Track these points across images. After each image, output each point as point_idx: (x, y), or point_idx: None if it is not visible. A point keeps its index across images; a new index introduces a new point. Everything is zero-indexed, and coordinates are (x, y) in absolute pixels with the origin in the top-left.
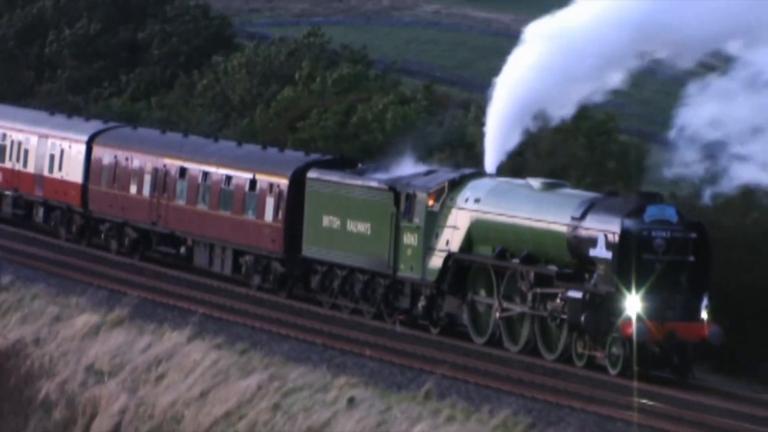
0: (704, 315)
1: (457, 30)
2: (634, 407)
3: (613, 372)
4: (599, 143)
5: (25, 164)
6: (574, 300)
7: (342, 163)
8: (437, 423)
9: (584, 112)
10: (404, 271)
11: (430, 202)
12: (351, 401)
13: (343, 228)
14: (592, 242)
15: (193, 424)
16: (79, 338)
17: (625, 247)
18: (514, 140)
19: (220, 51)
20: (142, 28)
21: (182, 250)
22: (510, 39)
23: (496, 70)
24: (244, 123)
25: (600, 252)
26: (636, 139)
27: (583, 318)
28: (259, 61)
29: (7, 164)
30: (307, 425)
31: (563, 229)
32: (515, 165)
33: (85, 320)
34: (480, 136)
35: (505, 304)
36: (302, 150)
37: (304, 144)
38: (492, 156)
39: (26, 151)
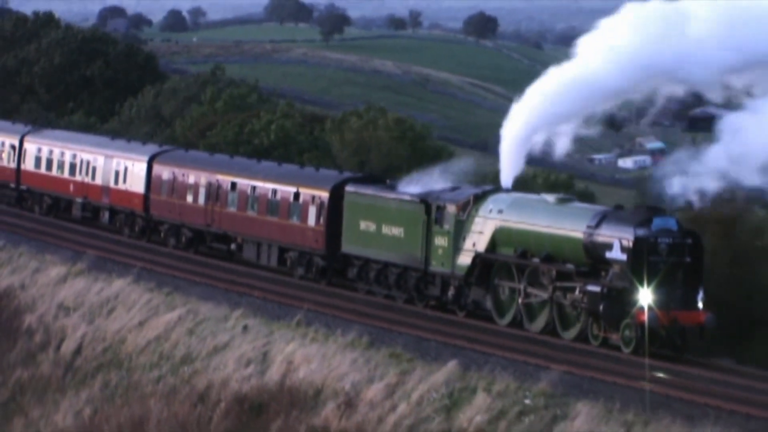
0: (700, 305)
1: (319, 66)
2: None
3: (626, 351)
4: (419, 147)
5: (93, 178)
6: (594, 293)
7: (372, 179)
8: (305, 342)
9: (408, 124)
10: (436, 266)
11: (458, 212)
12: (245, 328)
13: (378, 231)
14: (608, 246)
15: (133, 344)
16: (52, 284)
17: (638, 251)
18: (524, 160)
19: (152, 80)
20: (93, 64)
21: (232, 246)
22: (356, 73)
23: (347, 95)
24: (167, 132)
25: (615, 254)
26: (444, 143)
27: (601, 307)
28: (181, 88)
29: (77, 178)
30: (213, 345)
31: (580, 235)
32: (360, 161)
33: (56, 271)
34: (335, 143)
35: (529, 289)
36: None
37: (212, 147)
38: (507, 174)
39: (94, 168)
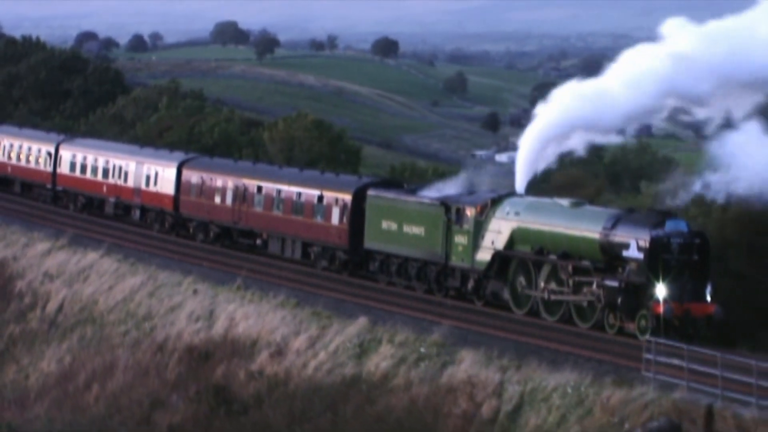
0: (708, 298)
1: (254, 80)
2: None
3: (642, 338)
4: (337, 145)
5: (125, 180)
6: (611, 287)
7: (390, 184)
8: (244, 303)
9: (329, 127)
10: (456, 261)
11: (477, 214)
12: (195, 291)
13: (399, 230)
14: (625, 246)
15: (105, 304)
16: (39, 256)
17: (653, 250)
18: (540, 167)
19: (120, 92)
20: (72, 78)
21: (258, 241)
22: (284, 85)
23: (278, 103)
24: (131, 133)
25: (632, 253)
26: (356, 142)
27: (619, 300)
28: (141, 98)
29: (110, 180)
30: (170, 305)
31: (596, 235)
32: (287, 157)
33: (42, 246)
34: (270, 142)
35: (551, 287)
36: (343, 172)
37: (169, 145)
38: (521, 180)
39: (126, 172)
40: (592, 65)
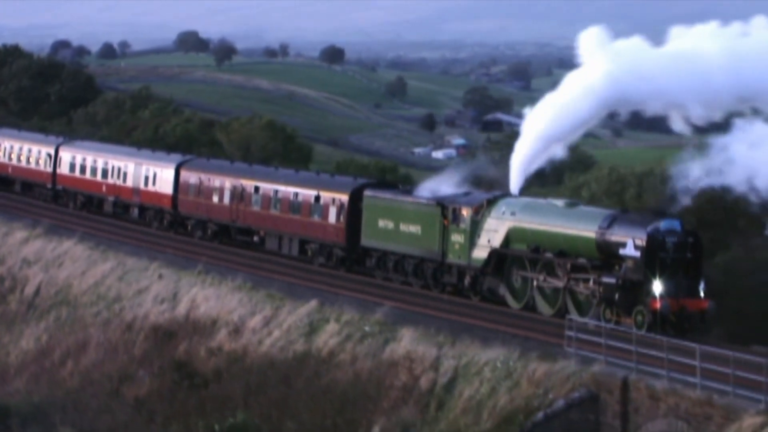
0: (702, 294)
1: (214, 84)
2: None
3: (640, 332)
4: (289, 144)
5: (124, 180)
6: (609, 284)
7: (385, 185)
8: (205, 286)
9: (282, 127)
10: (453, 259)
11: (474, 214)
12: (160, 276)
13: (396, 228)
14: (622, 244)
15: (78, 288)
16: (18, 244)
17: (650, 248)
18: (533, 168)
19: (92, 96)
20: (50, 83)
21: (255, 238)
22: (241, 89)
23: (235, 105)
24: (101, 134)
25: (629, 251)
26: (308, 140)
27: (617, 296)
28: (110, 101)
29: (110, 180)
30: (137, 288)
31: (592, 234)
32: (243, 154)
33: (21, 234)
34: (227, 142)
35: (543, 278)
36: (345, 174)
37: (136, 142)
38: (516, 182)
39: (125, 173)
40: (519, 71)
